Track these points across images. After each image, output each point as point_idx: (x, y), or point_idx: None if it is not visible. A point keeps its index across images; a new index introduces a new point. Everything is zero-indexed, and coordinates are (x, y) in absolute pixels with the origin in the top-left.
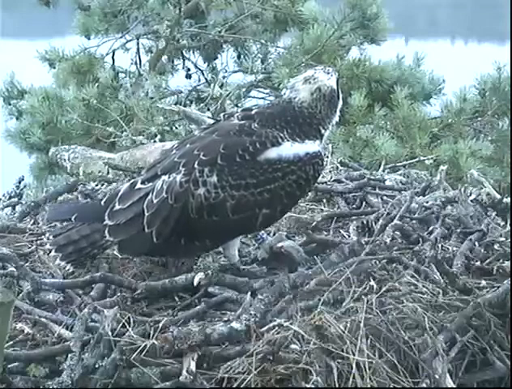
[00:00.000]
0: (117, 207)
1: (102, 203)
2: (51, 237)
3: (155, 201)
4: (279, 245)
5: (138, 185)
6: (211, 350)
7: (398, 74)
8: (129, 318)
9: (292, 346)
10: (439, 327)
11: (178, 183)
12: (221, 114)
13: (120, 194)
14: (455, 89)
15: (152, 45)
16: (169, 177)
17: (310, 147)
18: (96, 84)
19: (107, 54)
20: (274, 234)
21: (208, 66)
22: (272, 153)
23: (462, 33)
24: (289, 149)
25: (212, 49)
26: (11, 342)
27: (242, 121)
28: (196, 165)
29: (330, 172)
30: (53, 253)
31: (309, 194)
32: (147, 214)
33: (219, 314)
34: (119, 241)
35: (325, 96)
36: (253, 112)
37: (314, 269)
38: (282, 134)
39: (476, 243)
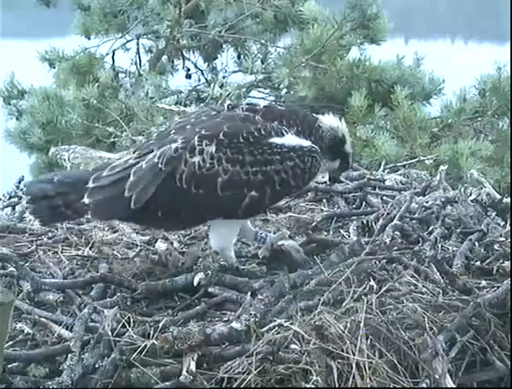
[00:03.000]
0: (105, 173)
1: (91, 169)
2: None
3: (144, 166)
4: (280, 243)
5: (132, 160)
6: (211, 350)
7: (398, 74)
8: (129, 318)
9: (292, 346)
10: (439, 327)
11: (173, 149)
12: (225, 104)
13: (112, 165)
14: (455, 89)
15: (152, 45)
16: (165, 148)
17: (312, 145)
18: (96, 84)
19: (107, 54)
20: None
21: (208, 66)
22: (276, 139)
23: (463, 33)
24: (293, 140)
25: (212, 49)
26: (11, 342)
27: (246, 113)
28: (196, 137)
29: None
30: (24, 202)
31: (309, 194)
32: (131, 178)
33: (219, 314)
34: (94, 203)
35: (335, 143)
36: (257, 107)
37: (314, 269)
38: (287, 129)
39: (476, 243)
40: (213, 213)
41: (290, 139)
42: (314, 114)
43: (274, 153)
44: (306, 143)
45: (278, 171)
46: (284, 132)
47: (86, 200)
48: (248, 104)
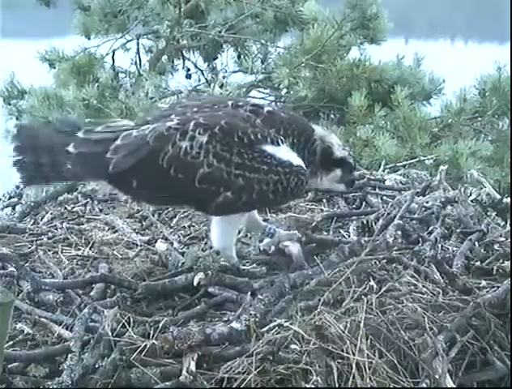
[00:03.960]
0: (98, 129)
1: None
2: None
3: (133, 135)
4: (286, 244)
5: (127, 127)
6: (211, 350)
7: (398, 75)
8: (129, 318)
9: (292, 346)
10: (439, 327)
11: (166, 127)
12: (229, 101)
13: (108, 124)
14: (455, 89)
15: (152, 45)
16: (159, 124)
17: (302, 164)
18: (96, 84)
19: (107, 54)
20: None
21: (208, 66)
22: (269, 148)
23: (463, 33)
24: (285, 153)
25: (212, 49)
26: (11, 342)
27: (249, 114)
28: (192, 123)
29: None
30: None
31: (309, 194)
32: (118, 142)
33: (219, 314)
34: (77, 155)
35: (325, 154)
36: (261, 110)
37: (314, 269)
38: (283, 139)
39: (476, 243)
40: (184, 201)
41: (282, 152)
42: (312, 125)
43: (262, 162)
44: (297, 160)
45: (260, 180)
46: (280, 142)
47: (70, 149)
48: (252, 105)
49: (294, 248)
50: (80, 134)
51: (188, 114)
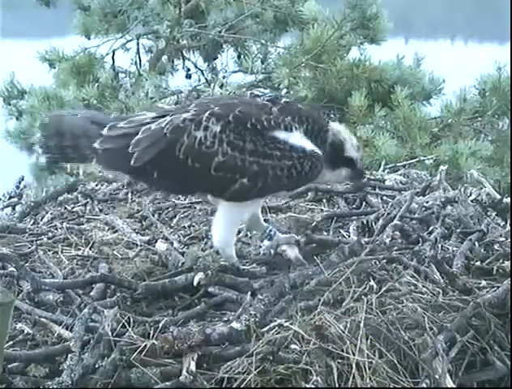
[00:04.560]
0: (121, 124)
1: (112, 116)
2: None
3: (152, 128)
4: (283, 248)
5: (148, 119)
6: (211, 350)
7: (398, 75)
8: (129, 318)
9: (292, 346)
10: (439, 327)
11: (182, 119)
12: (248, 92)
13: (130, 118)
14: (455, 89)
15: (152, 45)
16: (177, 115)
17: (317, 149)
18: (96, 84)
19: (107, 54)
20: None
21: (208, 66)
22: (281, 134)
23: (463, 33)
24: (298, 139)
25: (212, 49)
26: (11, 342)
27: (266, 102)
28: (207, 113)
29: None
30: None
31: (309, 194)
32: (138, 136)
33: (219, 314)
34: (103, 151)
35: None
36: (279, 100)
37: (314, 269)
38: (297, 126)
39: (476, 243)
40: (202, 189)
41: (296, 138)
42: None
43: (275, 148)
44: (310, 146)
45: (274, 167)
46: (293, 129)
47: (96, 145)
48: (271, 95)
49: (291, 252)
50: (105, 131)
51: (205, 105)
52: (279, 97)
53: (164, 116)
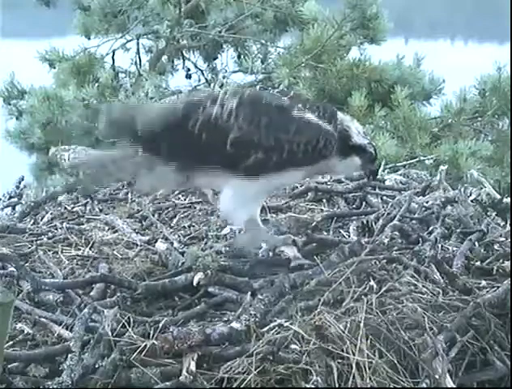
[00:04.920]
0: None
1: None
2: None
3: (162, 105)
4: (281, 249)
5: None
6: (211, 350)
7: (398, 75)
8: (129, 318)
9: (292, 346)
10: (439, 327)
11: (197, 98)
12: (257, 86)
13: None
14: (455, 89)
15: (152, 45)
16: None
17: (330, 128)
18: (96, 84)
19: (107, 54)
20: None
21: (208, 66)
22: (296, 112)
23: (462, 33)
24: (312, 118)
25: (212, 49)
26: (11, 342)
27: (275, 93)
28: (221, 92)
29: None
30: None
31: (309, 194)
32: (156, 106)
33: (219, 314)
34: (109, 121)
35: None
36: (288, 92)
37: (314, 269)
38: (309, 111)
39: (476, 243)
40: (215, 163)
41: (311, 117)
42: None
43: (291, 123)
44: (325, 124)
45: (290, 141)
46: (307, 111)
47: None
48: (280, 90)
49: (290, 251)
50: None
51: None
52: (289, 91)
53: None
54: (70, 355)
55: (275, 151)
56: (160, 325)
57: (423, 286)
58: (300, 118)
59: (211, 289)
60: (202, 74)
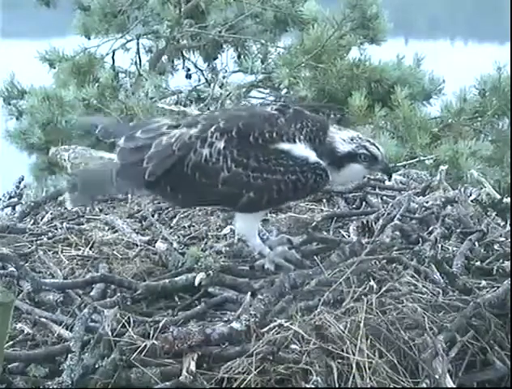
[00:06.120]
0: (137, 134)
1: (130, 124)
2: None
3: (163, 142)
4: (278, 249)
5: (164, 129)
6: (211, 350)
7: (398, 75)
8: (129, 318)
9: (292, 346)
10: (439, 327)
11: (188, 135)
12: (259, 103)
13: (147, 127)
14: (455, 89)
15: (152, 45)
16: (186, 130)
17: (319, 160)
18: (96, 84)
19: (107, 54)
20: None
21: (208, 66)
22: (284, 146)
23: (463, 33)
24: (301, 150)
25: (212, 49)
26: (11, 342)
27: (274, 112)
28: (212, 128)
29: None
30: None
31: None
32: (151, 150)
33: (219, 314)
34: (121, 165)
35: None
36: (287, 109)
37: (314, 269)
38: (302, 137)
39: (476, 243)
40: (213, 202)
41: (299, 149)
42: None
43: (278, 164)
44: (314, 157)
45: (278, 181)
46: (297, 140)
47: (115, 159)
48: (282, 105)
49: (286, 253)
50: (121, 143)
51: (212, 118)
52: (288, 106)
53: (177, 127)
54: (70, 355)
55: (266, 191)
56: (160, 325)
57: (423, 286)
58: (288, 155)
59: (211, 289)
60: (202, 74)
